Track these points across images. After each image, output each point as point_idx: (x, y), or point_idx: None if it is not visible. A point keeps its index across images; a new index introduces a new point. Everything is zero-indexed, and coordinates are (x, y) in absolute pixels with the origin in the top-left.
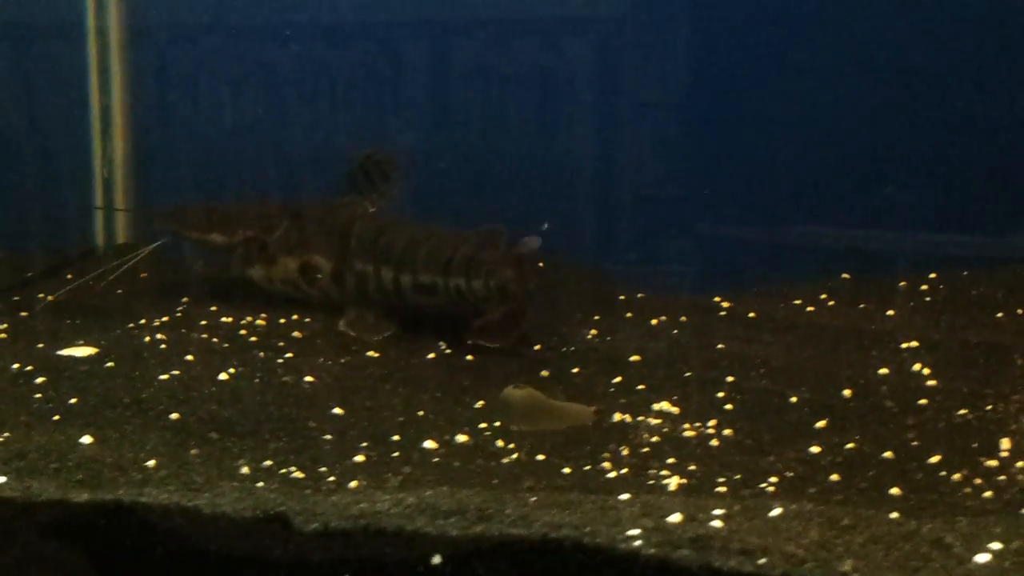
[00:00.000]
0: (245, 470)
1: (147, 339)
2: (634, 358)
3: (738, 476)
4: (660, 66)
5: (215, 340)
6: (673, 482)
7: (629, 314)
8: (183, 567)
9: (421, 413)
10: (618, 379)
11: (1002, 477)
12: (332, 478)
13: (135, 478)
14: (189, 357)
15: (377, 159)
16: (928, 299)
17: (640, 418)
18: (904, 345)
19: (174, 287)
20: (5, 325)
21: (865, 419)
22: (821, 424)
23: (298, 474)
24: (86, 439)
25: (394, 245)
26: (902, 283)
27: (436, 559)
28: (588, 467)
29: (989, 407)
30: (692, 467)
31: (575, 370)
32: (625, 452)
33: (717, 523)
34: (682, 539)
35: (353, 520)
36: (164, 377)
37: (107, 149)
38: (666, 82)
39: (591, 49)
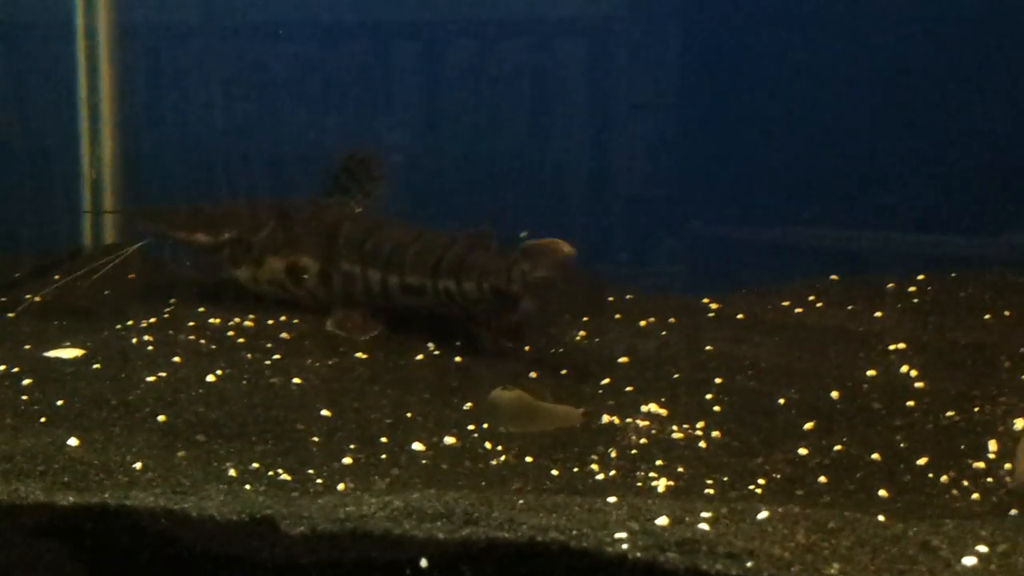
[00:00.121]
0: (232, 472)
1: (134, 340)
2: (623, 359)
3: (726, 478)
4: (649, 67)
5: (202, 341)
6: (661, 484)
7: (618, 315)
8: (170, 570)
9: (409, 415)
10: (606, 381)
11: (989, 479)
12: (320, 480)
13: (122, 480)
14: (176, 359)
15: (362, 158)
16: (916, 301)
17: (628, 420)
18: (892, 347)
19: (162, 288)
20: None
21: (853, 421)
22: (809, 426)
23: (285, 476)
24: (72, 441)
25: (382, 246)
26: (890, 284)
27: (423, 562)
28: (576, 469)
29: (976, 409)
30: (680, 469)
31: (564, 372)
32: (613, 454)
33: (704, 526)
34: (669, 542)
35: (340, 523)
36: (151, 379)
37: (95, 150)
38: (656, 83)
39: (580, 50)
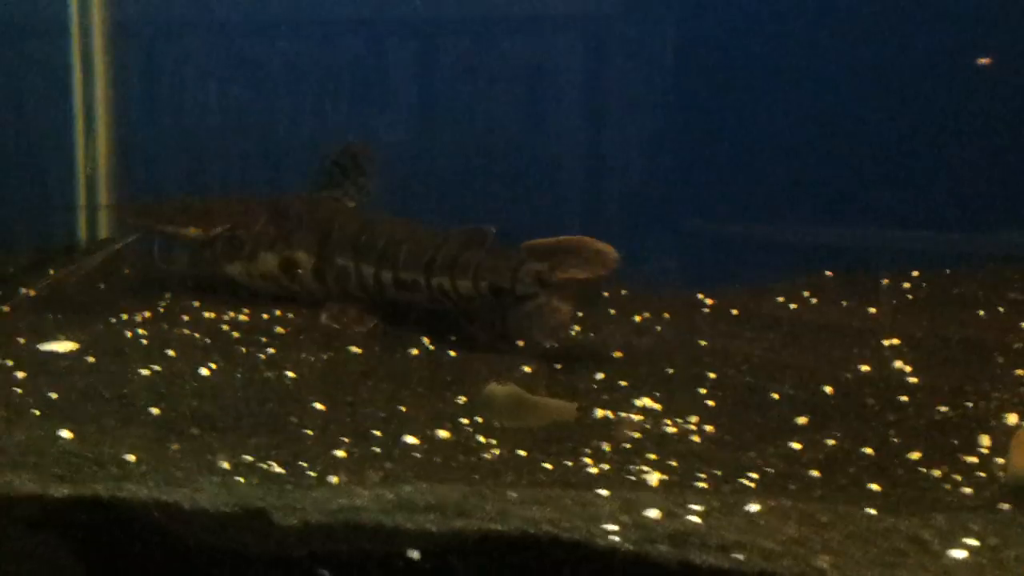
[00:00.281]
0: (226, 465)
1: (128, 334)
2: (617, 354)
3: (719, 472)
4: (645, 63)
5: (197, 335)
6: (654, 478)
7: (613, 310)
8: (162, 561)
9: (403, 408)
10: (601, 376)
11: (982, 474)
12: (313, 473)
13: (114, 473)
14: (170, 352)
15: (353, 153)
16: (910, 297)
17: (622, 414)
18: (886, 342)
19: (157, 282)
20: None
21: (846, 416)
22: (802, 421)
23: (279, 469)
24: (66, 434)
25: (375, 241)
26: (885, 281)
27: (415, 554)
28: (570, 463)
29: (970, 404)
30: (673, 463)
31: (558, 366)
32: (607, 448)
33: (695, 519)
34: (660, 534)
35: (332, 515)
36: (145, 372)
37: (90, 145)
38: (651, 79)
39: (574, 46)
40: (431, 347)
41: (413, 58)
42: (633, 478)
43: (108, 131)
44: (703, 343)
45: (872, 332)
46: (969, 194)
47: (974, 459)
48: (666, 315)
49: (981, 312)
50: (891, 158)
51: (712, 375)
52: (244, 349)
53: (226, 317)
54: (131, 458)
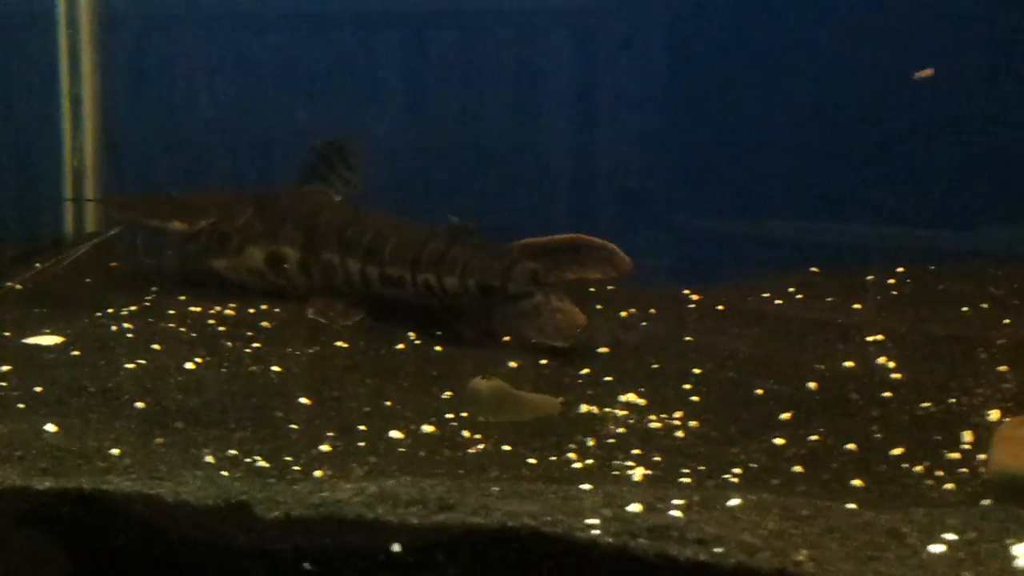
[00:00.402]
0: (210, 459)
1: (114, 328)
2: (603, 349)
3: (702, 467)
4: (636, 59)
5: (183, 330)
6: (638, 473)
7: (599, 306)
8: (146, 554)
9: (388, 403)
10: (586, 370)
11: (964, 469)
12: (297, 467)
13: (99, 466)
14: (156, 346)
15: (339, 146)
16: (895, 293)
17: (607, 409)
18: (870, 338)
19: (143, 276)
20: None
21: (830, 411)
22: (786, 416)
23: (263, 463)
24: (50, 427)
25: (361, 236)
26: (870, 277)
27: (396, 547)
28: (554, 458)
29: (953, 400)
30: (657, 458)
31: (543, 361)
32: (591, 443)
33: (676, 513)
34: (640, 528)
35: (314, 508)
36: (130, 366)
37: (77, 138)
38: (642, 75)
39: (564, 41)
40: (417, 342)
41: (403, 51)
42: (617, 473)
43: (95, 124)
44: (688, 339)
45: (856, 328)
46: (955, 191)
47: (956, 455)
48: (652, 311)
49: (965, 308)
50: (878, 155)
51: (697, 371)
52: (230, 343)
53: (212, 311)
54: (116, 452)
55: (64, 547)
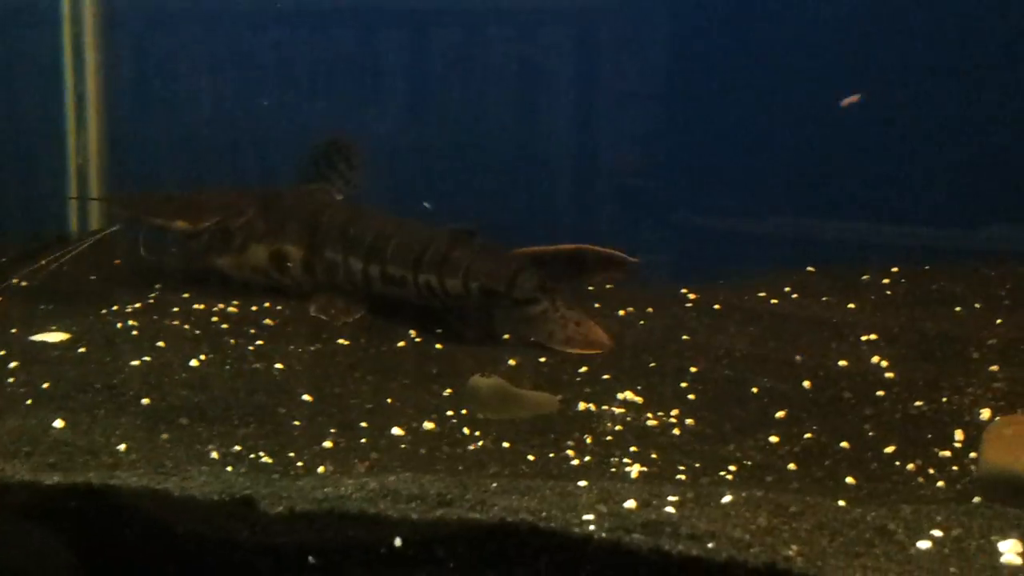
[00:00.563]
0: (215, 455)
1: (119, 325)
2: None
3: (698, 464)
4: (637, 56)
5: (187, 327)
6: (635, 470)
7: (597, 304)
8: (152, 548)
9: (389, 400)
10: (584, 368)
11: (955, 467)
12: (300, 463)
13: (106, 462)
14: (161, 343)
15: (340, 145)
16: (889, 293)
17: (604, 407)
18: (864, 338)
19: (146, 273)
20: None
21: (823, 410)
22: (780, 414)
23: (267, 459)
24: (58, 423)
25: (364, 235)
26: (865, 277)
27: (397, 541)
28: (552, 454)
29: (944, 399)
30: (653, 455)
31: (542, 359)
32: (588, 440)
33: (670, 509)
34: (635, 524)
35: (317, 503)
36: (136, 363)
37: (81, 136)
38: (642, 72)
39: (565, 38)
40: (417, 339)
41: (404, 49)
42: (614, 469)
43: (99, 122)
44: (686, 337)
45: (851, 327)
46: (956, 189)
47: (948, 453)
48: (650, 309)
49: (958, 308)
50: (877, 154)
51: (694, 369)
52: (233, 340)
53: (215, 309)
54: (122, 447)
55: (72, 540)
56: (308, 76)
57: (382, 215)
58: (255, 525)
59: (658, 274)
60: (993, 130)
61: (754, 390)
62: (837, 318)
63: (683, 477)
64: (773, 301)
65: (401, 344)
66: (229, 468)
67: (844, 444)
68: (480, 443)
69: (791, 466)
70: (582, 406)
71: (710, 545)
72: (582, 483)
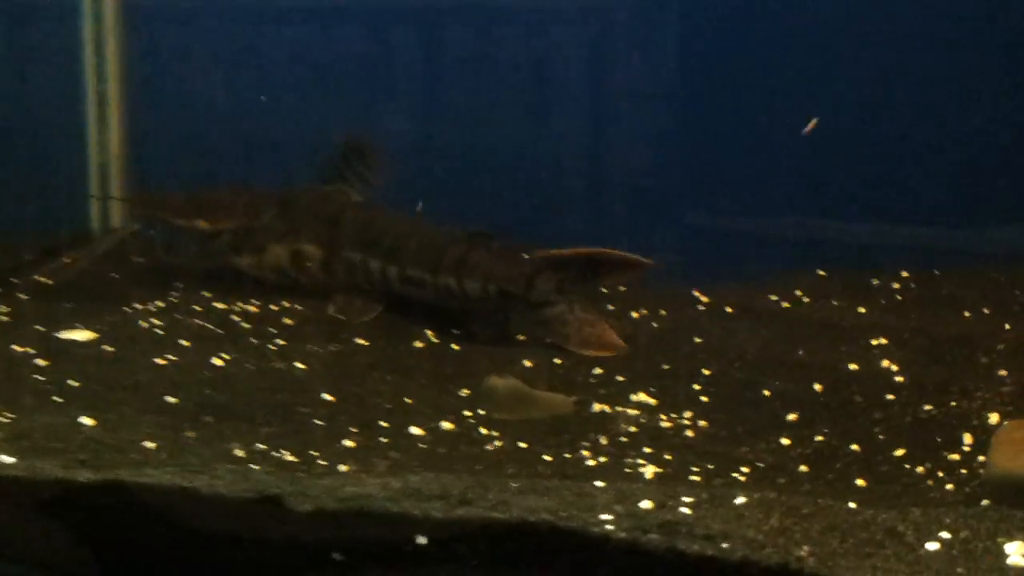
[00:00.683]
0: (239, 453)
1: (143, 324)
2: None
3: (711, 466)
4: (647, 56)
5: (209, 326)
6: (649, 471)
7: (611, 306)
8: (182, 545)
9: (408, 400)
10: (598, 370)
11: (964, 471)
12: (323, 462)
13: (135, 459)
14: (184, 342)
15: (357, 146)
16: (899, 297)
17: (619, 409)
18: (874, 342)
19: (167, 272)
20: (6, 308)
21: (834, 413)
22: (792, 417)
23: (290, 457)
24: (87, 421)
25: (383, 237)
26: (875, 281)
27: (421, 540)
28: (567, 455)
29: (953, 403)
30: (667, 457)
31: (557, 361)
32: (603, 441)
33: (685, 510)
34: (651, 524)
35: (343, 502)
36: (161, 362)
37: (103, 135)
38: (654, 72)
39: (574, 37)
40: (435, 340)
41: (422, 48)
42: (629, 470)
43: (120, 120)
44: (698, 340)
45: (861, 331)
46: (966, 191)
47: (956, 456)
48: (662, 311)
49: (967, 313)
50: (885, 155)
51: (707, 371)
52: (254, 340)
53: (236, 308)
54: (150, 445)
55: (103, 537)
56: (329, 74)
57: (400, 217)
58: (283, 523)
59: (670, 276)
60: (1002, 131)
61: (766, 393)
62: (847, 321)
63: (697, 478)
64: (784, 304)
65: (419, 344)
66: (254, 466)
67: (855, 447)
68: (497, 443)
69: (803, 468)
70: (597, 407)
71: (724, 545)
72: (599, 483)
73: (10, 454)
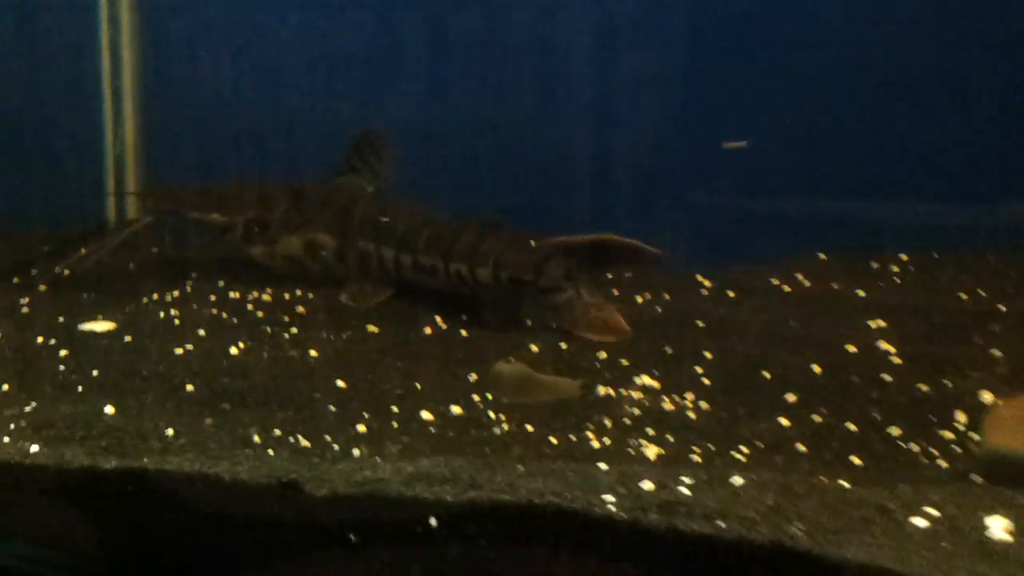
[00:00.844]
0: (256, 439)
1: (161, 314)
2: None
3: (712, 447)
4: (652, 39)
5: (225, 315)
6: (652, 452)
7: (616, 291)
8: (205, 528)
9: (418, 386)
10: (604, 354)
11: (958, 449)
12: (336, 447)
13: (156, 446)
14: (201, 332)
15: (370, 139)
16: (898, 280)
17: (623, 392)
18: (872, 324)
19: (183, 263)
20: (27, 299)
21: (833, 394)
22: (792, 398)
23: (305, 443)
24: (109, 409)
25: (395, 226)
26: (875, 264)
27: (432, 521)
28: (573, 438)
29: (949, 383)
30: (670, 438)
31: (564, 345)
32: (608, 424)
33: (685, 490)
34: (652, 504)
35: (358, 486)
36: (179, 351)
37: (118, 128)
38: (658, 56)
39: (577, 22)
40: (444, 326)
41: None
42: (632, 452)
43: (135, 112)
44: (701, 323)
45: (860, 313)
46: (976, 168)
47: (951, 435)
48: (667, 296)
49: (964, 296)
50: (892, 134)
51: (709, 355)
52: (269, 329)
53: (250, 297)
54: (170, 432)
55: (128, 522)
56: (345, 68)
57: (412, 206)
58: (300, 506)
59: (674, 259)
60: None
61: (767, 375)
62: (847, 304)
63: (698, 459)
64: (785, 287)
65: (428, 331)
66: (271, 452)
67: (852, 426)
68: (505, 427)
69: (801, 448)
70: (602, 391)
71: (721, 524)
72: (603, 466)
73: (36, 442)
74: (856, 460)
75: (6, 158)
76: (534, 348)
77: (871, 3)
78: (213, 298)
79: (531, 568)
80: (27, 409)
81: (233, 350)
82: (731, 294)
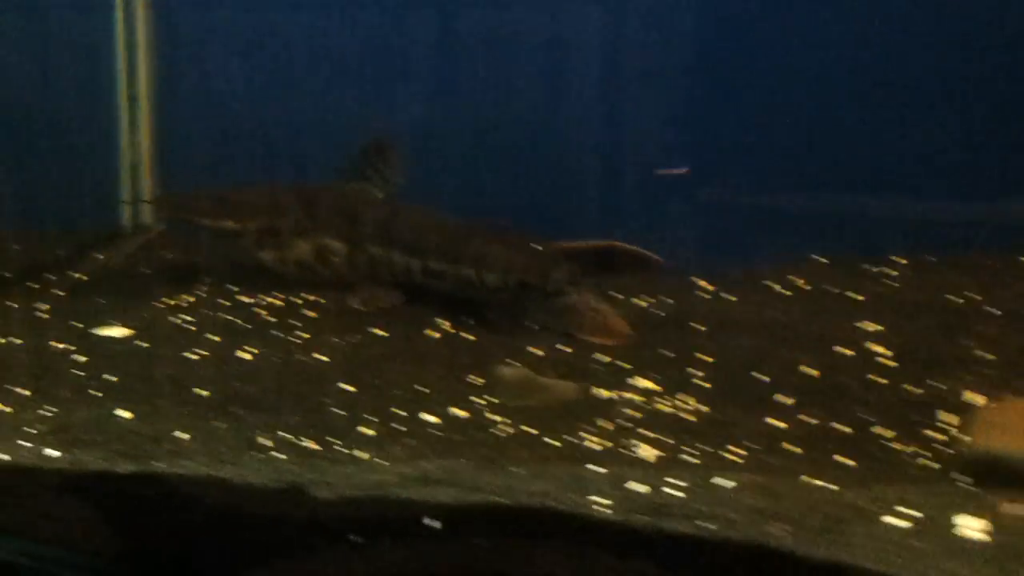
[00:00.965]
0: (266, 442)
1: (176, 320)
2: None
3: (708, 449)
4: (660, 37)
5: (237, 321)
6: (649, 454)
7: (618, 295)
8: (215, 529)
9: (423, 389)
10: (605, 358)
11: (949, 450)
12: (344, 450)
13: (169, 449)
14: (213, 337)
15: (379, 146)
16: (894, 284)
17: (623, 394)
18: (869, 327)
19: (195, 268)
20: (44, 305)
21: (827, 396)
22: (787, 401)
23: (313, 445)
24: (124, 413)
25: (405, 231)
26: (873, 268)
27: (432, 523)
28: (573, 440)
29: (940, 385)
30: (667, 440)
31: (566, 349)
32: (607, 426)
33: (676, 492)
34: (642, 506)
35: (361, 489)
36: (192, 356)
37: (133, 135)
38: (663, 54)
39: (584, 19)
40: (450, 330)
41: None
42: (630, 454)
43: (151, 119)
44: (700, 327)
45: (855, 316)
46: (980, 165)
47: (941, 436)
48: (668, 300)
49: (958, 299)
50: (895, 129)
51: (707, 358)
52: (279, 333)
53: (262, 302)
54: (183, 436)
55: (140, 523)
56: (361, 72)
57: (420, 211)
58: (305, 508)
59: (674, 264)
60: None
61: (763, 377)
62: (842, 307)
63: (695, 461)
64: (782, 291)
65: (434, 335)
66: (280, 455)
67: (845, 428)
68: (506, 429)
69: (796, 450)
70: (602, 393)
71: (708, 525)
72: (598, 468)
73: (53, 447)
74: (849, 461)
75: (18, 159)
76: (537, 351)
77: (871, 3)
78: (225, 303)
79: (531, 568)
80: (45, 414)
81: (244, 355)
82: (731, 298)
